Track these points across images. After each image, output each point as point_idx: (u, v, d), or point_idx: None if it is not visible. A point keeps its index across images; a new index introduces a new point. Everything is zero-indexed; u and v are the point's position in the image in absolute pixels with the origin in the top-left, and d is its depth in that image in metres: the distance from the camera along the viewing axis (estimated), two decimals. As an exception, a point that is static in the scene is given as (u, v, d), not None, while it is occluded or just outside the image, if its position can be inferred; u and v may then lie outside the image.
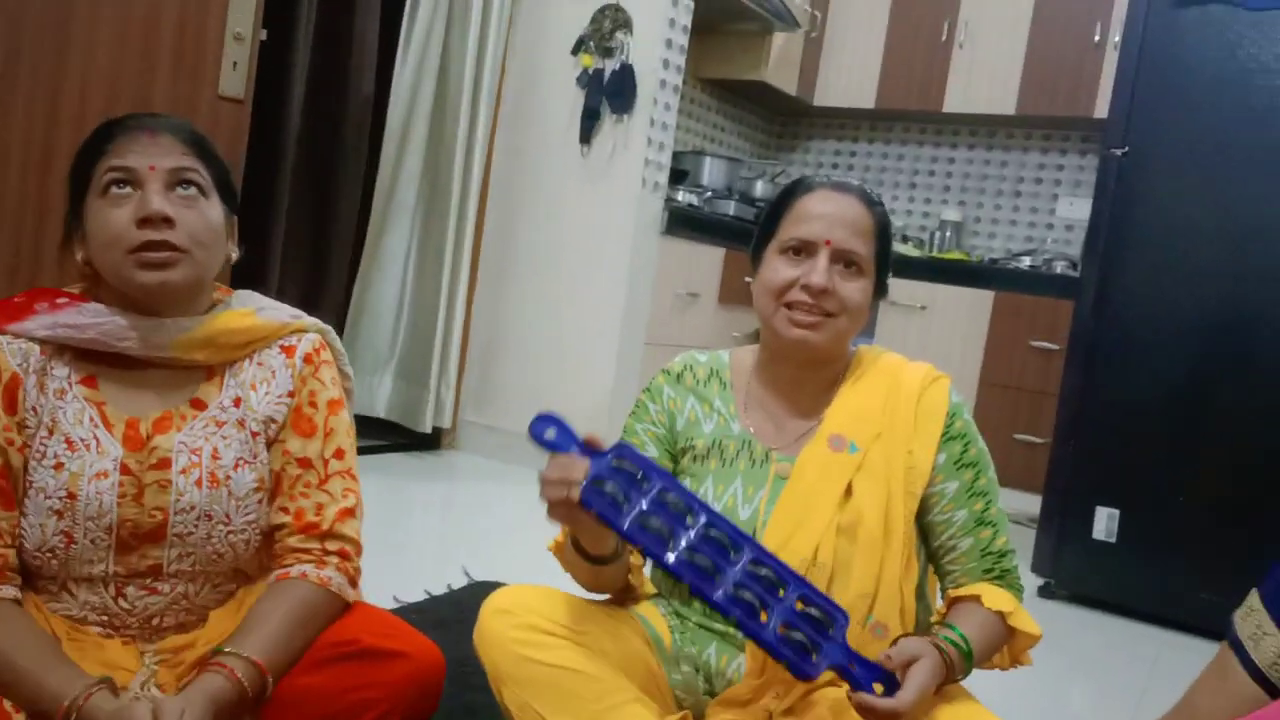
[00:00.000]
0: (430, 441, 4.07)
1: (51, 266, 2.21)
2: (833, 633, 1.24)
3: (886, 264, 1.48)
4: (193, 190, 1.28)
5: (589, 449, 1.27)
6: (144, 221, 1.23)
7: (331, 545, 1.36)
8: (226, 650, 1.21)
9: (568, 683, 1.34)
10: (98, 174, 1.26)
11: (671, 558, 1.23)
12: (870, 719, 1.20)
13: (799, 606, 1.25)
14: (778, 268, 1.44)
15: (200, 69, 2.34)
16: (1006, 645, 1.40)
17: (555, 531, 1.49)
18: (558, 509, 1.25)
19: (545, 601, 1.41)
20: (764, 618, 1.23)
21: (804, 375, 1.50)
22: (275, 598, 1.30)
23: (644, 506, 1.25)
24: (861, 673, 1.22)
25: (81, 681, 1.14)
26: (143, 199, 1.24)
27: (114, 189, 1.25)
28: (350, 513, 1.38)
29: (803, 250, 1.42)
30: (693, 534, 1.25)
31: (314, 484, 1.36)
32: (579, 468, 1.24)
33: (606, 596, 1.54)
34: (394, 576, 2.47)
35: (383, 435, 3.96)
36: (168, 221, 1.24)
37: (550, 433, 1.27)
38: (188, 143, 1.30)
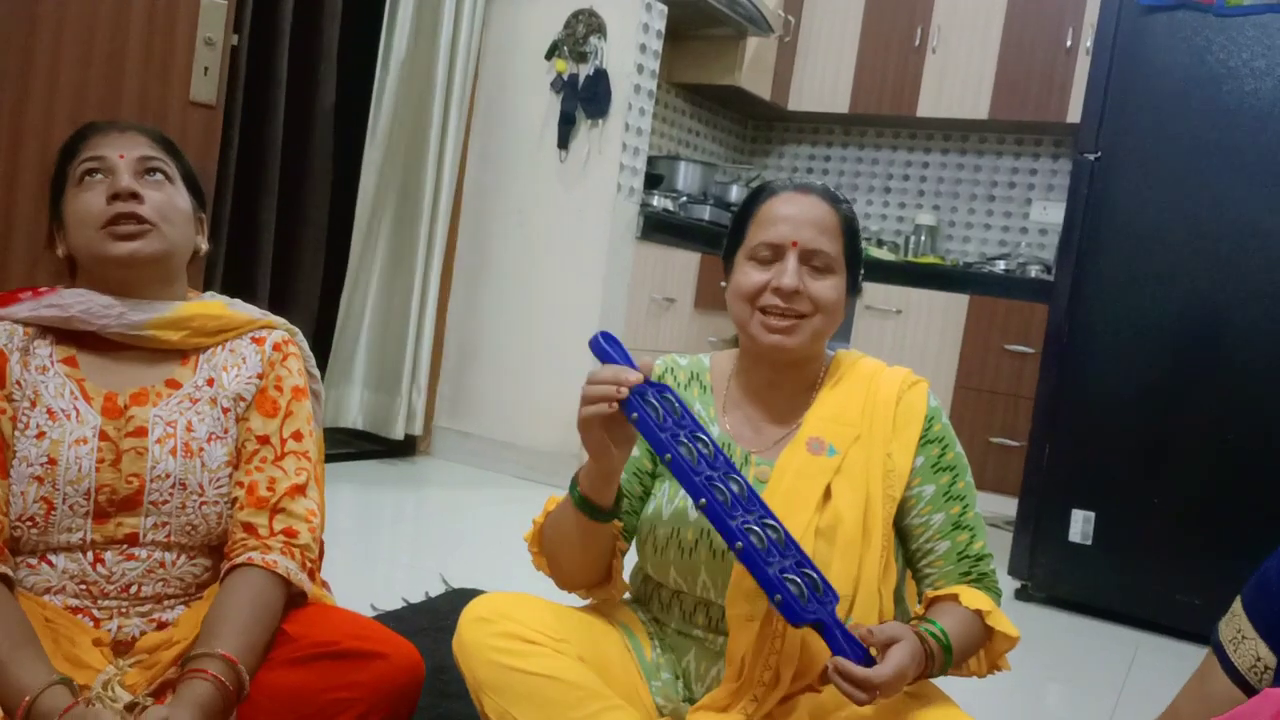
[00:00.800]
0: (404, 448, 4.05)
1: (19, 275, 2.18)
2: (824, 600, 1.25)
3: (857, 261, 1.48)
4: (159, 177, 1.39)
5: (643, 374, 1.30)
6: (114, 197, 1.33)
7: (279, 523, 1.38)
8: (198, 654, 1.23)
9: (548, 691, 1.33)
10: (73, 169, 1.36)
11: (696, 476, 1.25)
12: (845, 685, 1.20)
13: (797, 567, 1.26)
14: (748, 273, 1.44)
15: (170, 74, 2.31)
16: (984, 649, 1.40)
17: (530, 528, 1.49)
18: (595, 407, 1.26)
19: (524, 609, 1.40)
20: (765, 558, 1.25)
21: (781, 378, 1.50)
22: (230, 593, 1.31)
23: (678, 434, 1.27)
24: (845, 640, 1.23)
25: (50, 678, 1.16)
26: (113, 180, 1.34)
27: (87, 178, 1.35)
28: (301, 490, 1.41)
29: (771, 254, 1.43)
30: (717, 474, 1.27)
31: (269, 459, 1.41)
32: (633, 375, 1.26)
33: (586, 602, 1.53)
34: (371, 584, 2.45)
35: (356, 443, 3.93)
36: (135, 197, 1.34)
37: (609, 349, 1.32)
38: (155, 139, 1.42)
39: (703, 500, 1.25)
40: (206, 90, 2.37)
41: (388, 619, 2.18)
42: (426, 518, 3.50)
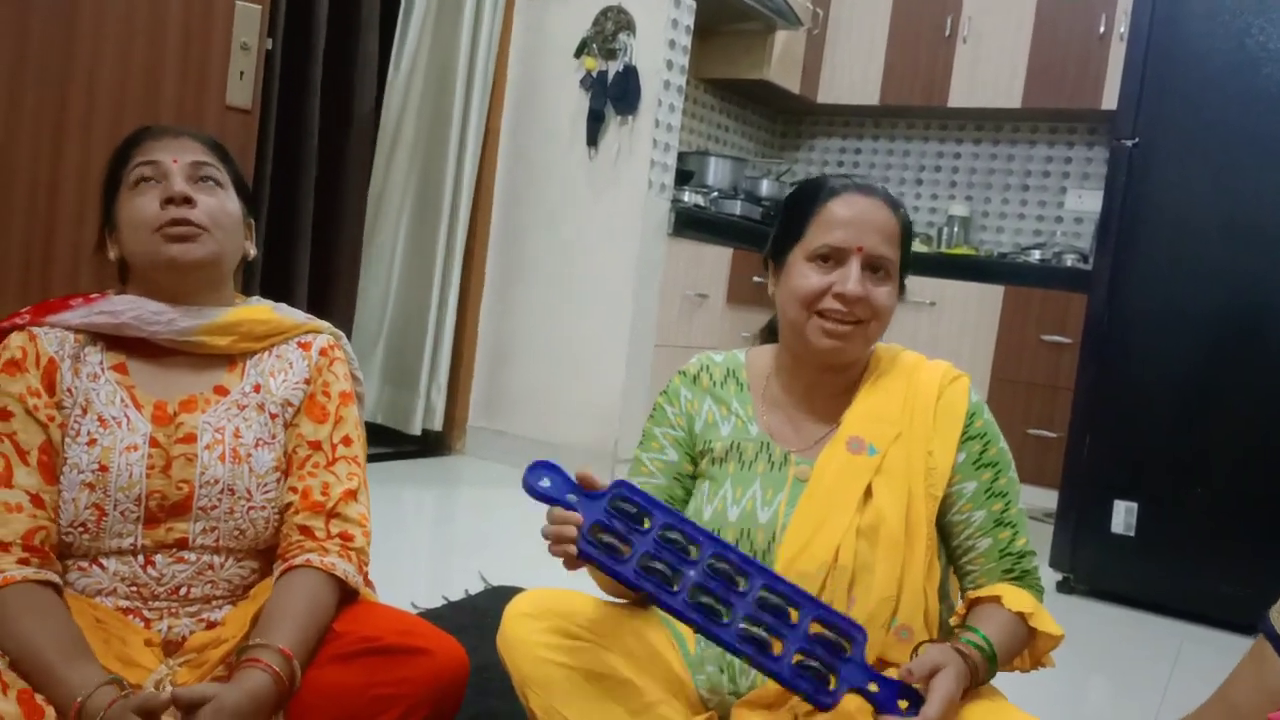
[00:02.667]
0: (439, 447, 4.07)
1: (61, 277, 2.21)
2: (851, 653, 1.21)
3: (907, 266, 1.47)
4: (211, 183, 1.40)
5: (586, 492, 1.25)
6: (168, 202, 1.35)
7: (335, 527, 1.40)
8: (254, 645, 1.24)
9: (593, 686, 1.33)
10: (127, 173, 1.38)
11: (677, 602, 1.21)
12: None
13: (814, 629, 1.22)
14: (807, 275, 1.41)
15: (206, 79, 2.34)
16: (1028, 648, 1.39)
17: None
18: (563, 561, 1.25)
19: (569, 605, 1.40)
20: (778, 649, 1.20)
21: (824, 379, 1.48)
22: (286, 591, 1.33)
23: (646, 549, 1.22)
24: (884, 692, 1.20)
25: (97, 679, 1.18)
26: (166, 185, 1.36)
27: (142, 183, 1.37)
28: (354, 495, 1.43)
29: (832, 257, 1.40)
30: (697, 571, 1.22)
31: (321, 465, 1.43)
32: (573, 521, 1.23)
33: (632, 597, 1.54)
34: (411, 582, 2.46)
35: (388, 443, 3.95)
36: (189, 201, 1.35)
37: (545, 481, 1.26)
38: (207, 145, 1.43)
39: (693, 623, 1.20)
40: (242, 95, 2.39)
41: (429, 617, 2.19)
42: (464, 516, 3.52)
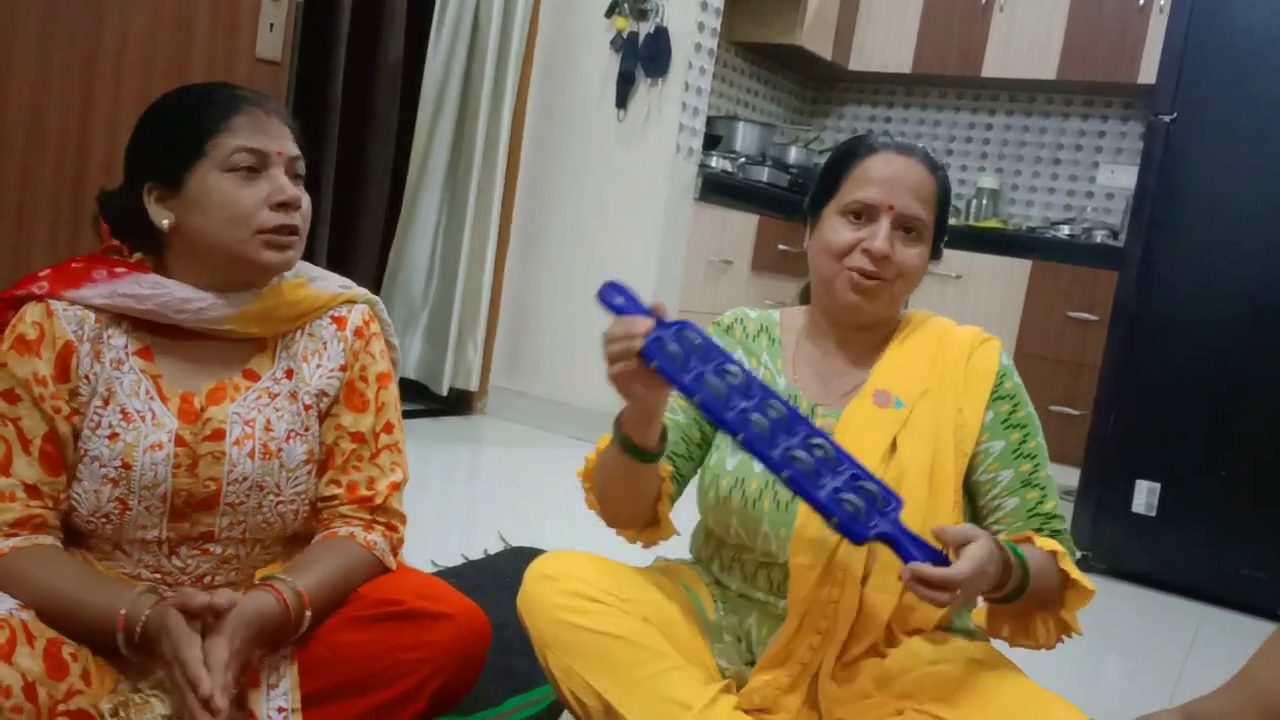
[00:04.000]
0: (460, 406, 4.08)
1: (89, 235, 2.22)
2: (886, 510, 1.21)
3: (943, 229, 1.46)
4: (300, 180, 1.33)
5: (656, 316, 1.25)
6: (282, 206, 1.27)
7: (380, 518, 1.40)
8: (275, 576, 1.26)
9: (612, 649, 1.34)
10: (220, 149, 1.26)
11: (728, 413, 1.22)
12: (924, 590, 1.16)
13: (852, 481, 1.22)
14: (838, 229, 1.42)
15: (237, 32, 2.32)
16: (1055, 605, 1.36)
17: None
18: (618, 363, 1.23)
19: (590, 568, 1.41)
20: (816, 481, 1.21)
21: (853, 335, 1.49)
22: (323, 548, 1.34)
23: (705, 371, 1.23)
24: (914, 547, 1.19)
25: (131, 592, 1.19)
26: (276, 184, 1.27)
27: (244, 171, 1.27)
28: (398, 487, 1.42)
29: (864, 214, 1.40)
30: (751, 403, 1.23)
31: (365, 458, 1.40)
32: (643, 324, 1.22)
33: (650, 563, 1.54)
34: (431, 540, 2.47)
35: (414, 400, 3.97)
36: (298, 207, 1.30)
37: (619, 299, 1.26)
38: (292, 129, 1.34)
39: (739, 435, 1.22)
40: (272, 47, 2.38)
41: (448, 575, 2.21)
42: (484, 476, 3.53)
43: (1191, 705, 0.94)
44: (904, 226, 1.39)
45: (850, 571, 1.35)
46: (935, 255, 1.47)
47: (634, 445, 1.34)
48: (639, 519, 1.47)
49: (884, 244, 1.37)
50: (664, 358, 1.21)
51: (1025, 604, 1.30)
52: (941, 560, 1.18)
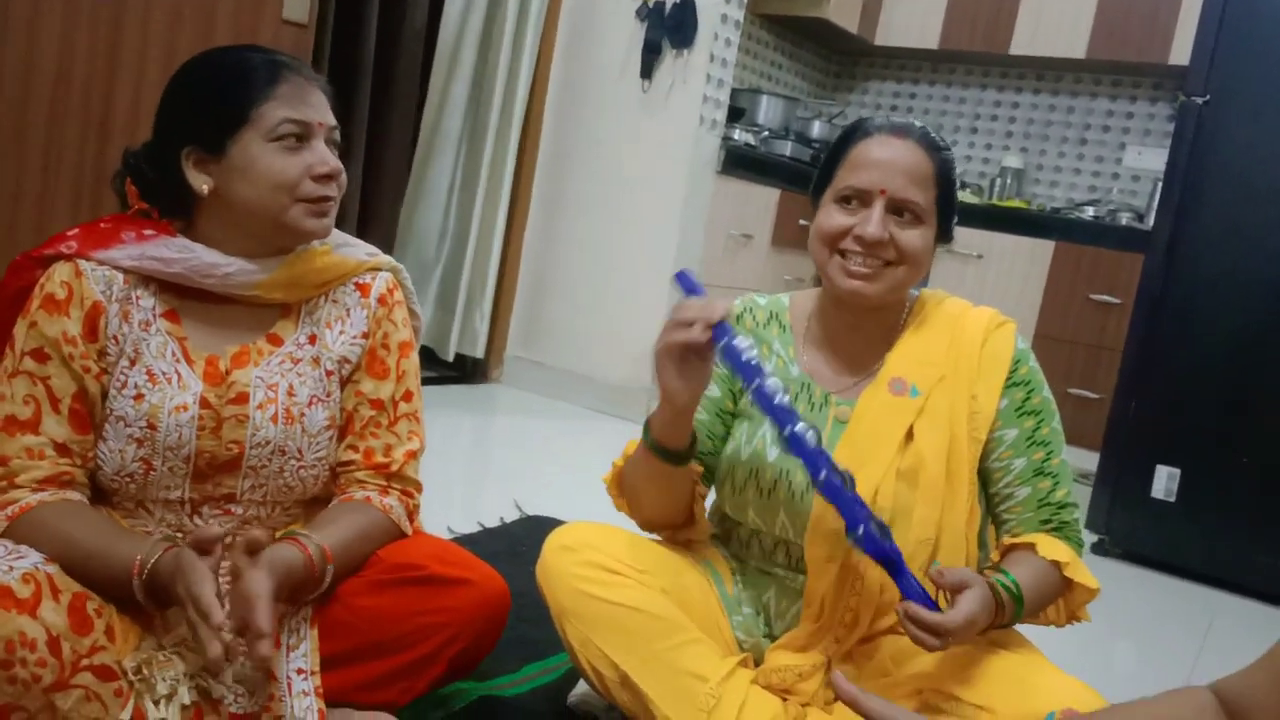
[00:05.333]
0: (476, 375, 4.08)
1: (113, 196, 2.23)
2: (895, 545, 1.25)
3: (950, 209, 1.42)
4: (337, 149, 1.34)
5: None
6: (324, 177, 1.29)
7: (396, 484, 1.41)
8: (297, 531, 1.26)
9: (630, 621, 1.34)
10: (266, 118, 1.27)
11: (778, 398, 1.25)
12: (915, 630, 1.19)
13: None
14: (831, 214, 1.40)
15: (263, -8, 2.31)
16: (1063, 599, 1.37)
17: (608, 464, 1.48)
18: (685, 332, 1.24)
19: (609, 540, 1.41)
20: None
21: (863, 320, 1.47)
22: (341, 510, 1.35)
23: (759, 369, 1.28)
24: (913, 584, 1.23)
25: (150, 540, 1.21)
26: (318, 155, 1.29)
27: (288, 140, 1.28)
28: (414, 455, 1.43)
29: (857, 199, 1.38)
30: (792, 413, 1.27)
31: (384, 425, 1.41)
32: (720, 308, 1.25)
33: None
34: (447, 508, 2.48)
35: (429, 367, 3.97)
36: (337, 177, 1.32)
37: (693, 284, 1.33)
38: (328, 96, 1.35)
39: (787, 430, 1.24)
40: (299, 9, 2.36)
41: (464, 542, 2.21)
42: (500, 445, 3.54)
43: (1218, 684, 0.94)
44: (899, 210, 1.37)
45: (869, 567, 1.35)
46: (945, 237, 1.44)
47: (665, 449, 1.35)
48: (673, 520, 1.47)
49: (876, 229, 1.35)
50: (731, 338, 1.26)
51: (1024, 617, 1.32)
52: (932, 606, 1.22)
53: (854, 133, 1.43)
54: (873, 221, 1.35)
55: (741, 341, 1.27)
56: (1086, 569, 1.36)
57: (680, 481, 1.41)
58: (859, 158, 1.39)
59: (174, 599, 1.15)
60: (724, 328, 1.25)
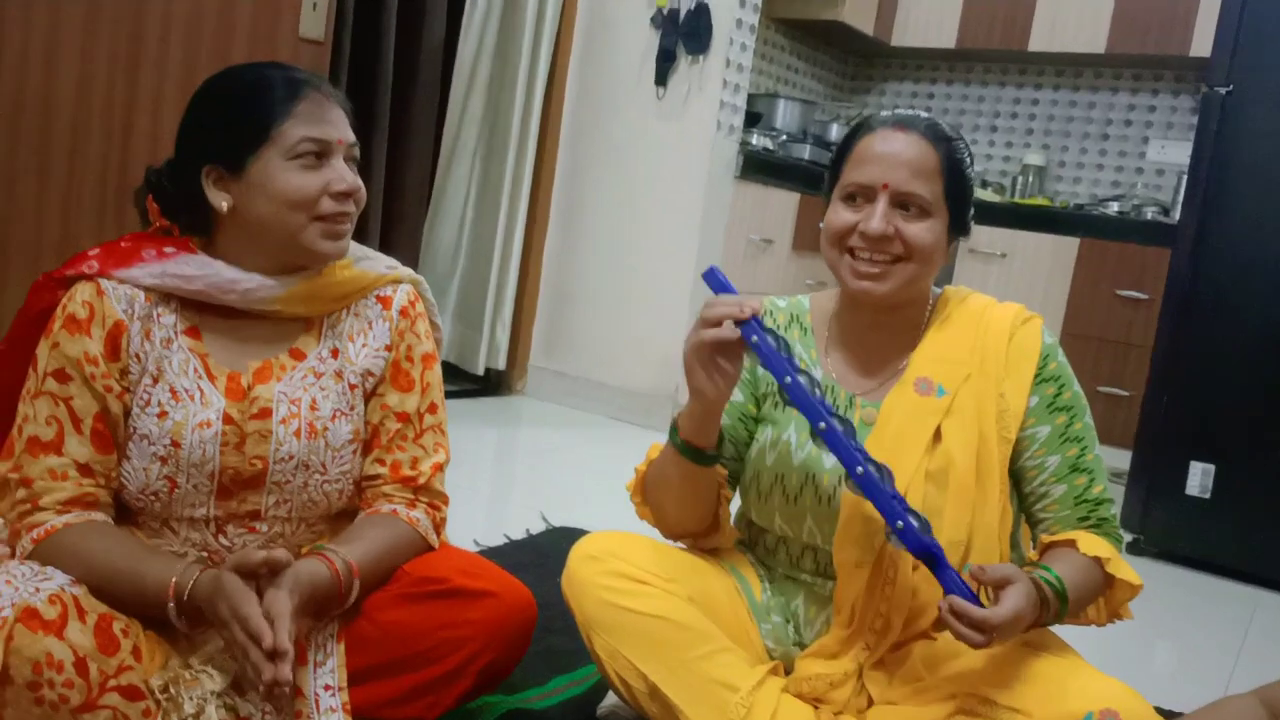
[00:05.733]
0: (499, 387, 4.08)
1: (135, 212, 2.24)
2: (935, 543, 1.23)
3: (962, 200, 1.39)
4: (356, 165, 1.34)
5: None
6: (341, 195, 1.29)
7: (423, 497, 1.41)
8: (327, 546, 1.26)
9: (658, 631, 1.33)
10: (285, 136, 1.27)
11: (813, 397, 1.24)
12: (960, 626, 1.16)
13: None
14: (838, 213, 1.38)
15: (280, 11, 2.32)
16: (1104, 597, 1.35)
17: (633, 474, 1.47)
18: (715, 331, 1.25)
19: (634, 549, 1.39)
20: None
21: (884, 319, 1.45)
22: (369, 523, 1.35)
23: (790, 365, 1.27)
24: (956, 579, 1.20)
25: (182, 562, 1.21)
26: (335, 172, 1.29)
27: (308, 158, 1.28)
28: (441, 467, 1.43)
29: (860, 195, 1.36)
30: (825, 407, 1.26)
31: (410, 438, 1.40)
32: (751, 304, 1.25)
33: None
34: (472, 520, 2.48)
35: (451, 380, 3.98)
36: (354, 194, 1.31)
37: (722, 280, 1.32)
38: (348, 113, 1.34)
39: (822, 424, 1.23)
40: (315, 26, 2.38)
41: (490, 554, 2.21)
42: (524, 456, 3.53)
43: (1266, 690, 0.91)
44: (903, 204, 1.35)
45: (901, 571, 1.33)
46: (961, 230, 1.41)
47: (694, 448, 1.33)
48: (700, 524, 1.45)
49: (879, 224, 1.33)
50: (764, 337, 1.25)
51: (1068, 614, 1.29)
52: (976, 602, 1.19)
53: (859, 129, 1.41)
54: (875, 216, 1.34)
55: (772, 338, 1.26)
56: (1128, 565, 1.33)
57: (706, 483, 1.39)
58: (862, 154, 1.37)
59: (211, 620, 1.15)
60: (752, 324, 1.24)
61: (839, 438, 1.23)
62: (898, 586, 1.34)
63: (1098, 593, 1.34)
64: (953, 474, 1.33)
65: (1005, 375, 1.38)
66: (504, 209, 3.86)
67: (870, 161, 1.36)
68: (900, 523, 1.20)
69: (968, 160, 1.40)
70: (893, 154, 1.35)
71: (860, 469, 1.22)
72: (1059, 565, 1.29)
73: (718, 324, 1.25)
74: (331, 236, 1.30)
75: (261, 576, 1.17)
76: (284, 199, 1.27)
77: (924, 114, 1.40)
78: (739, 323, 1.25)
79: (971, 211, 1.43)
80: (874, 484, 1.22)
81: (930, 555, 1.21)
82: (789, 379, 1.25)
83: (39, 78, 2.10)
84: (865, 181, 1.35)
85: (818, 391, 1.26)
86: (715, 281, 1.30)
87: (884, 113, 1.41)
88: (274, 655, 1.10)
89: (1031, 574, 1.25)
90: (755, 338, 1.25)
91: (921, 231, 1.35)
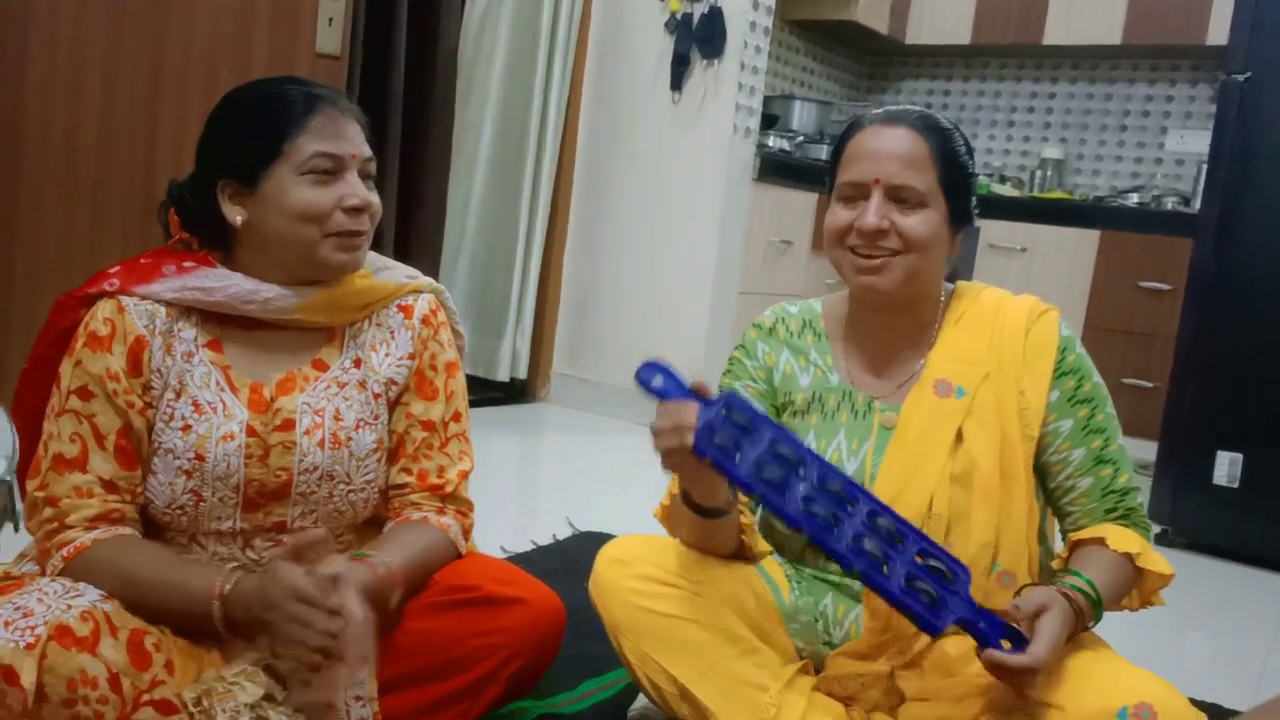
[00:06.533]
0: (523, 394, 4.10)
1: (159, 232, 2.27)
2: (955, 587, 1.20)
3: (960, 189, 1.39)
4: (371, 181, 1.34)
5: (698, 397, 1.22)
6: (353, 210, 1.29)
7: (451, 505, 1.41)
8: (367, 553, 1.26)
9: (686, 633, 1.33)
10: (298, 151, 1.28)
11: (790, 507, 1.19)
12: (1003, 676, 1.16)
13: (918, 560, 1.21)
14: (835, 212, 1.39)
15: (297, 27, 2.35)
16: (1136, 587, 1.34)
17: (661, 489, 1.46)
18: (671, 458, 1.21)
19: (661, 552, 1.40)
20: (885, 570, 1.19)
21: (895, 319, 1.44)
22: (402, 530, 1.35)
23: (758, 456, 1.20)
24: (989, 628, 1.18)
25: (223, 568, 1.22)
26: (349, 187, 1.29)
27: (320, 174, 1.28)
28: (466, 475, 1.43)
29: (856, 192, 1.37)
30: (807, 485, 1.21)
31: (436, 446, 1.41)
32: (690, 413, 1.19)
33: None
34: (499, 527, 2.48)
35: (474, 389, 3.99)
36: (368, 209, 1.31)
37: (658, 380, 1.23)
38: (364, 126, 1.34)
39: (805, 530, 1.19)
40: (331, 41, 2.40)
41: (518, 561, 2.22)
42: (549, 463, 3.54)
43: None
44: (897, 197, 1.34)
45: None
46: (962, 218, 1.40)
47: (704, 508, 1.33)
48: (727, 554, 1.43)
49: (874, 218, 1.33)
50: (715, 452, 1.18)
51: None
52: (1015, 634, 1.18)
53: (850, 129, 1.42)
54: (870, 211, 1.34)
55: (728, 429, 1.19)
56: (1159, 556, 1.33)
57: (725, 528, 1.38)
58: (854, 152, 1.38)
59: (260, 613, 1.16)
60: (699, 447, 1.17)
61: (824, 539, 1.18)
62: None
63: (1130, 587, 1.33)
64: (977, 476, 1.33)
65: (1024, 372, 1.38)
66: (524, 218, 3.88)
67: (861, 158, 1.36)
68: (910, 611, 1.18)
69: (963, 149, 1.40)
70: (882, 148, 1.35)
71: (855, 568, 1.17)
72: (1090, 568, 1.29)
73: (673, 444, 1.19)
74: (345, 250, 1.30)
75: (311, 560, 1.18)
76: (296, 213, 1.27)
77: (916, 108, 1.41)
78: (690, 444, 1.17)
79: (974, 200, 1.42)
80: (872, 580, 1.18)
81: (957, 624, 1.19)
82: (756, 493, 1.19)
83: (61, 101, 2.13)
84: (857, 179, 1.36)
85: (806, 456, 1.21)
86: (647, 385, 1.22)
87: (875, 110, 1.42)
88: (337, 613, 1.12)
89: (1063, 588, 1.24)
90: (710, 456, 1.17)
91: (917, 223, 1.34)
